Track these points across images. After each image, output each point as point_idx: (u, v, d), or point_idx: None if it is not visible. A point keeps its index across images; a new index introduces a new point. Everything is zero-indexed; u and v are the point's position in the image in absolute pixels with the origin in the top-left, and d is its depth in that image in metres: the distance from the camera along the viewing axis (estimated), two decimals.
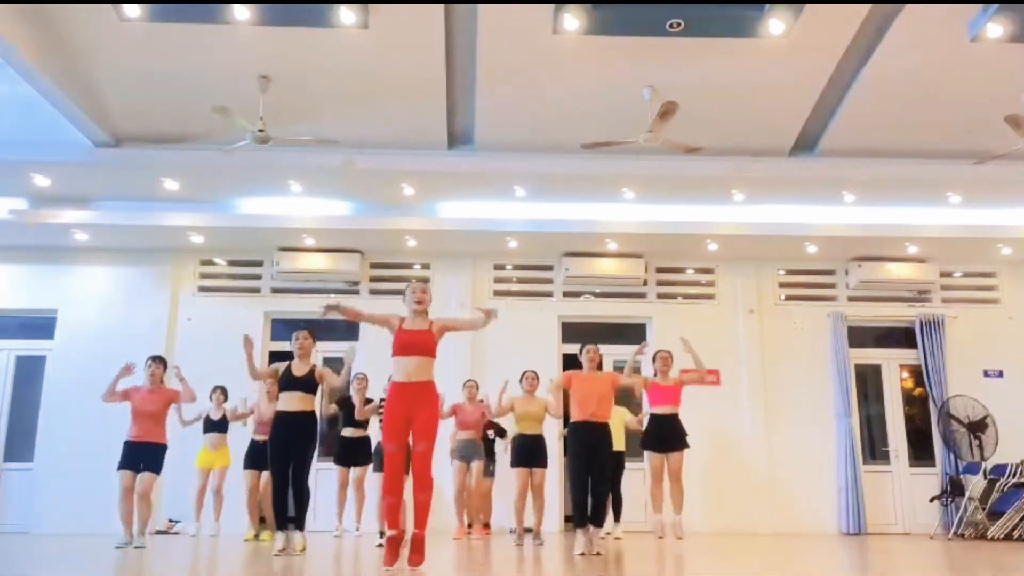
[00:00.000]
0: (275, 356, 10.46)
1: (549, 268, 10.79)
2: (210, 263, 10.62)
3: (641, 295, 10.80)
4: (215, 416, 8.81)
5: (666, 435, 7.43)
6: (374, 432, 8.30)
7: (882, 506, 10.27)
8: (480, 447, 8.41)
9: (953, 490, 9.72)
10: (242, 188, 9.35)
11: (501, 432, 9.04)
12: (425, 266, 10.70)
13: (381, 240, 10.17)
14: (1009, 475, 9.45)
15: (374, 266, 10.70)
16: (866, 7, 6.97)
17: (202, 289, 10.52)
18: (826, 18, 6.99)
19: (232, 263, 10.64)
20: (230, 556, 6.13)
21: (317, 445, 6.45)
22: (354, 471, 8.35)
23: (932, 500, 9.87)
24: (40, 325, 10.32)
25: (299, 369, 6.41)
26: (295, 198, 9.51)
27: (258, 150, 7.83)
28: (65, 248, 10.19)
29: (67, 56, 7.29)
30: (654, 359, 7.75)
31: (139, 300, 10.31)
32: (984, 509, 9.41)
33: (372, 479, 7.95)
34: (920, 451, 10.61)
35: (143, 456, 7.17)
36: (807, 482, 10.16)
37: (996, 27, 6.87)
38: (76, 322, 10.20)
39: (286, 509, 6.25)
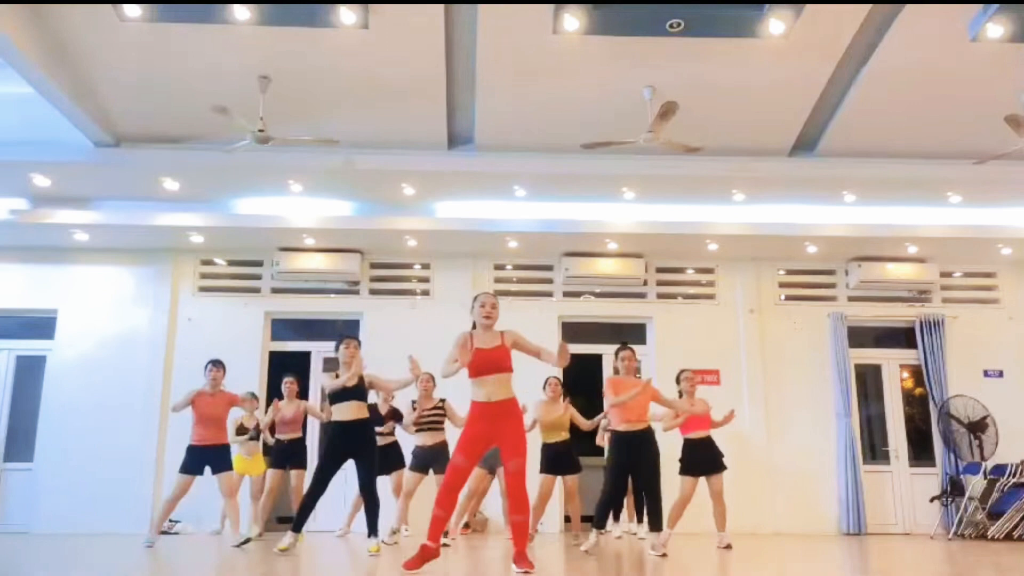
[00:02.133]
0: (275, 356, 10.49)
1: (549, 268, 10.79)
2: (210, 263, 10.61)
3: (641, 295, 10.80)
4: (249, 424, 8.76)
5: (703, 459, 7.38)
6: (401, 435, 8.30)
7: (882, 506, 10.27)
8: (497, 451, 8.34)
9: (953, 490, 9.72)
10: (242, 188, 9.34)
11: None
12: (425, 266, 10.70)
13: (381, 240, 10.17)
14: (1009, 475, 9.45)
15: (374, 266, 10.69)
16: (866, 7, 6.97)
17: (202, 289, 10.52)
18: (826, 18, 6.99)
19: (232, 263, 10.64)
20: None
21: (376, 450, 6.51)
22: (385, 479, 8.33)
23: (932, 500, 9.87)
24: (40, 325, 10.31)
25: (349, 378, 6.35)
26: (295, 198, 9.50)
27: (258, 150, 7.82)
28: (65, 248, 10.18)
29: (67, 56, 7.29)
30: (678, 380, 7.58)
31: (139, 300, 10.31)
32: (984, 509, 9.41)
33: (407, 479, 7.84)
34: (920, 451, 10.61)
35: (209, 459, 7.21)
36: (807, 482, 10.16)
37: (996, 27, 6.87)
38: (76, 322, 10.19)
39: (309, 514, 6.28)
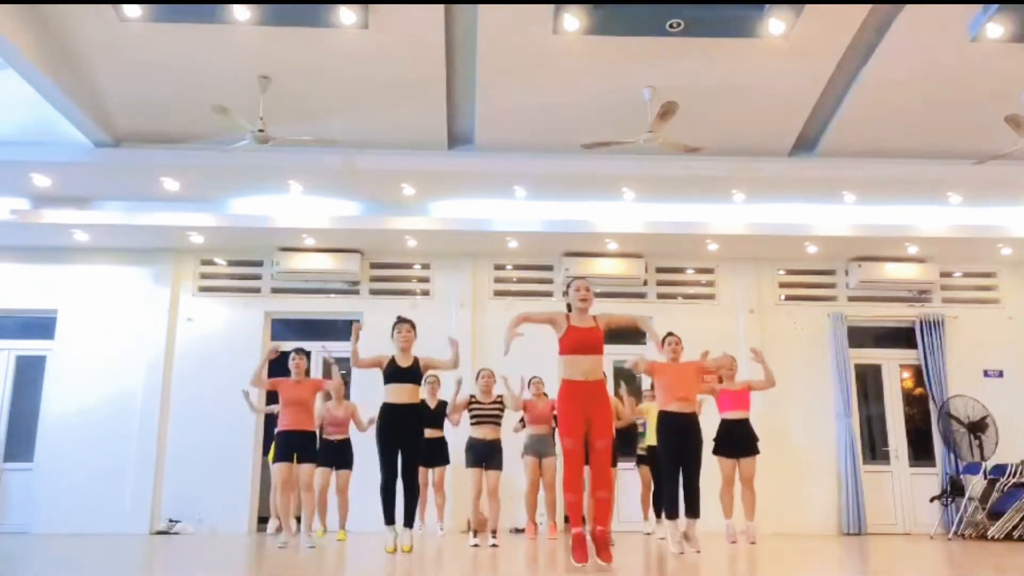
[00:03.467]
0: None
1: (549, 268, 10.79)
2: (210, 263, 10.61)
3: (641, 295, 10.80)
4: None
5: (738, 440, 7.38)
6: (449, 432, 8.31)
7: (882, 506, 10.27)
8: (553, 442, 8.25)
9: (953, 490, 9.72)
10: (242, 188, 9.35)
11: None
12: (425, 266, 10.70)
13: (381, 240, 10.17)
14: (1009, 475, 9.45)
15: (374, 266, 10.69)
16: (866, 7, 6.97)
17: (202, 289, 10.52)
18: (826, 18, 7.00)
19: (232, 263, 10.64)
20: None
21: (423, 437, 6.42)
22: (433, 472, 8.33)
23: (932, 500, 9.87)
24: (40, 325, 10.32)
25: (404, 361, 6.29)
26: (295, 198, 9.50)
27: (258, 150, 7.82)
28: (65, 248, 10.18)
29: (67, 56, 7.29)
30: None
31: (139, 300, 10.31)
32: (984, 509, 9.40)
33: (452, 476, 7.82)
34: (920, 451, 10.61)
35: (299, 447, 7.10)
36: (807, 482, 10.16)
37: (996, 27, 6.87)
38: (76, 322, 10.19)
39: (394, 503, 6.20)
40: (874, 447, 10.66)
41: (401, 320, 6.45)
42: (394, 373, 6.26)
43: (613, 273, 10.51)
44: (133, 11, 6.82)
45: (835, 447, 10.26)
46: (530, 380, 8.37)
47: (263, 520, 9.76)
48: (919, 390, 10.78)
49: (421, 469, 8.18)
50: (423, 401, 7.92)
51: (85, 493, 9.59)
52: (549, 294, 10.74)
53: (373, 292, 10.64)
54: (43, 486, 9.70)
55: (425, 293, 10.66)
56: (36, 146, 8.43)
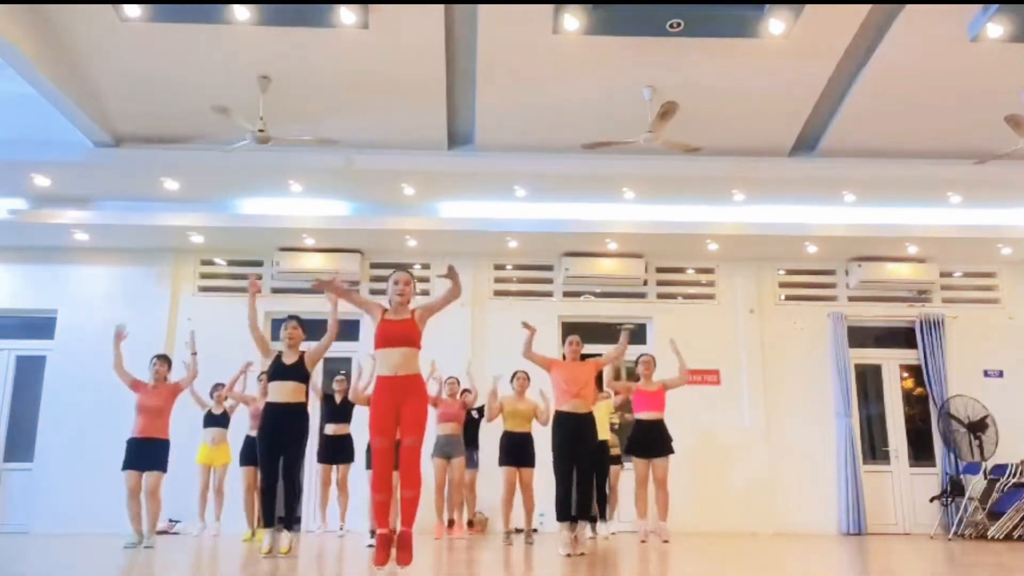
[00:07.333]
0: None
1: (549, 268, 10.79)
2: (210, 263, 10.61)
3: (641, 295, 10.80)
4: (216, 411, 8.81)
5: (651, 441, 7.38)
6: (356, 429, 8.25)
7: (882, 506, 10.27)
8: (461, 442, 8.24)
9: (953, 490, 9.72)
10: (242, 188, 9.35)
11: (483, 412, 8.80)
12: (425, 266, 10.70)
13: (381, 240, 10.17)
14: (1009, 475, 9.45)
15: (374, 266, 10.69)
16: (866, 7, 6.97)
17: (202, 289, 10.52)
18: (826, 18, 7.00)
19: (232, 263, 10.64)
20: (229, 557, 6.13)
21: (308, 437, 6.17)
22: (337, 469, 8.31)
23: (932, 500, 9.87)
24: (40, 325, 10.32)
25: (289, 358, 6.18)
26: (295, 198, 9.50)
27: (258, 150, 7.83)
28: (65, 248, 10.18)
29: (67, 56, 7.29)
30: (636, 363, 7.67)
31: (139, 300, 10.30)
32: (984, 509, 9.41)
33: (357, 476, 7.84)
34: (920, 451, 10.61)
35: (147, 454, 7.09)
36: (807, 482, 10.16)
37: (996, 27, 6.87)
38: (76, 322, 10.19)
39: (275, 506, 5.99)
40: (874, 447, 10.66)
41: (290, 317, 6.35)
42: (277, 371, 6.08)
43: (613, 273, 10.52)
44: (133, 11, 6.82)
45: (835, 447, 10.26)
46: (446, 378, 8.35)
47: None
48: (919, 390, 10.77)
49: (324, 466, 8.22)
50: (329, 396, 7.94)
51: (85, 493, 9.57)
52: (549, 294, 10.75)
53: (373, 292, 10.62)
54: (43, 486, 9.70)
55: (425, 293, 10.64)
56: (36, 146, 8.42)
